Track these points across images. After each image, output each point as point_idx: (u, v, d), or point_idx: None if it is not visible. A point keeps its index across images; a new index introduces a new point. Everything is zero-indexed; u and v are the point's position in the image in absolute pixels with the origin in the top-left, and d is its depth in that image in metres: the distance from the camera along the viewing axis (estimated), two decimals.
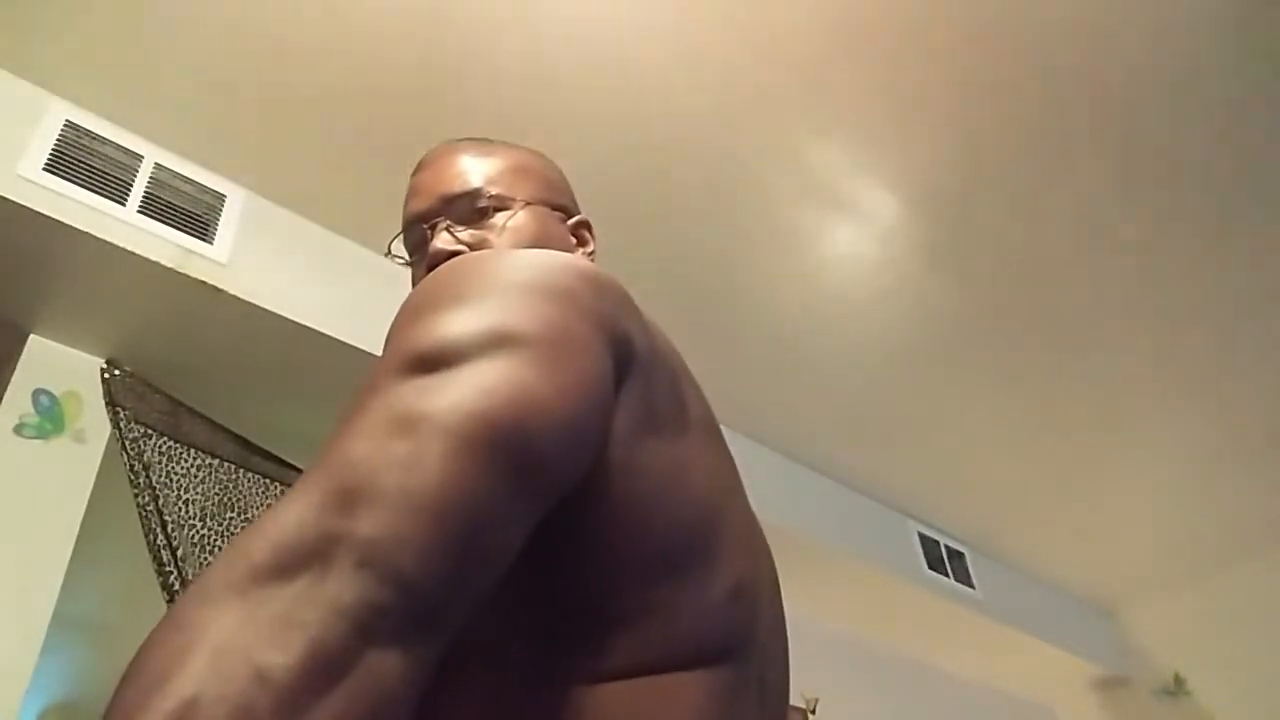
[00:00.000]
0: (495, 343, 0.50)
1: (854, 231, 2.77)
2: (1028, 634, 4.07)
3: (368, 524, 0.40)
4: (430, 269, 0.76)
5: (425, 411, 0.45)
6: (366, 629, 0.38)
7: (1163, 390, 3.34)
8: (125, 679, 0.37)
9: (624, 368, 0.56)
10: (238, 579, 0.39)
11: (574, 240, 0.86)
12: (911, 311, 3.02)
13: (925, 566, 3.82)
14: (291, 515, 0.41)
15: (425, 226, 0.81)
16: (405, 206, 0.84)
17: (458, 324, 0.51)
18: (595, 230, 0.89)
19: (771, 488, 3.42)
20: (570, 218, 0.87)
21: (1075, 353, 3.18)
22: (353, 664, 0.38)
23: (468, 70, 2.21)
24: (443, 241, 0.78)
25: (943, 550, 3.96)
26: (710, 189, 2.59)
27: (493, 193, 0.81)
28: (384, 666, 0.39)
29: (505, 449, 0.45)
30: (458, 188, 0.81)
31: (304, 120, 2.31)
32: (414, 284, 0.81)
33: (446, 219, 0.80)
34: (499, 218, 0.80)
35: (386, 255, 0.87)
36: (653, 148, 2.46)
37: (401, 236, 0.84)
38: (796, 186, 2.60)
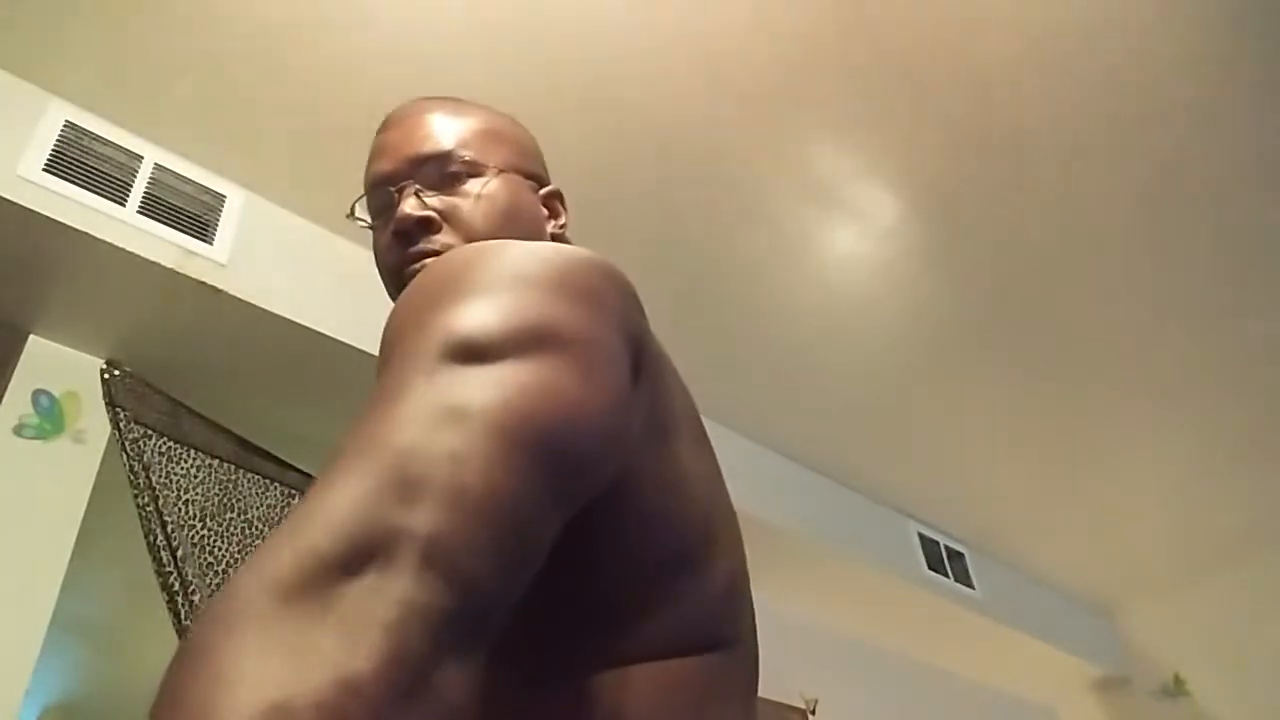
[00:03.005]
0: (538, 341, 0.49)
1: (854, 232, 2.77)
2: (1028, 634, 4.07)
3: (428, 519, 0.39)
4: (397, 234, 0.74)
5: (476, 406, 0.44)
6: (439, 635, 0.37)
7: (1163, 390, 3.34)
8: (186, 670, 0.33)
9: (637, 372, 0.57)
10: (309, 570, 0.36)
11: (545, 211, 0.82)
12: (911, 312, 3.02)
13: (925, 566, 3.82)
14: (347, 502, 0.39)
15: (392, 189, 0.76)
16: (369, 166, 0.79)
17: (499, 315, 0.50)
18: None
19: (771, 488, 3.42)
20: (542, 187, 0.83)
21: (1075, 353, 3.18)
22: (433, 674, 0.36)
23: (467, 72, 2.21)
24: (411, 206, 0.74)
25: (943, 550, 3.97)
26: (709, 189, 2.59)
27: (465, 157, 0.76)
28: (457, 677, 0.37)
29: (551, 453, 0.45)
30: (428, 149, 0.77)
31: (304, 121, 2.31)
32: (376, 249, 0.78)
33: (415, 183, 0.75)
34: (471, 184, 0.76)
35: (348, 217, 0.83)
36: (652, 148, 2.46)
37: (365, 198, 0.80)
38: (796, 187, 2.60)
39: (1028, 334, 3.11)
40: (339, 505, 0.39)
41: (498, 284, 0.52)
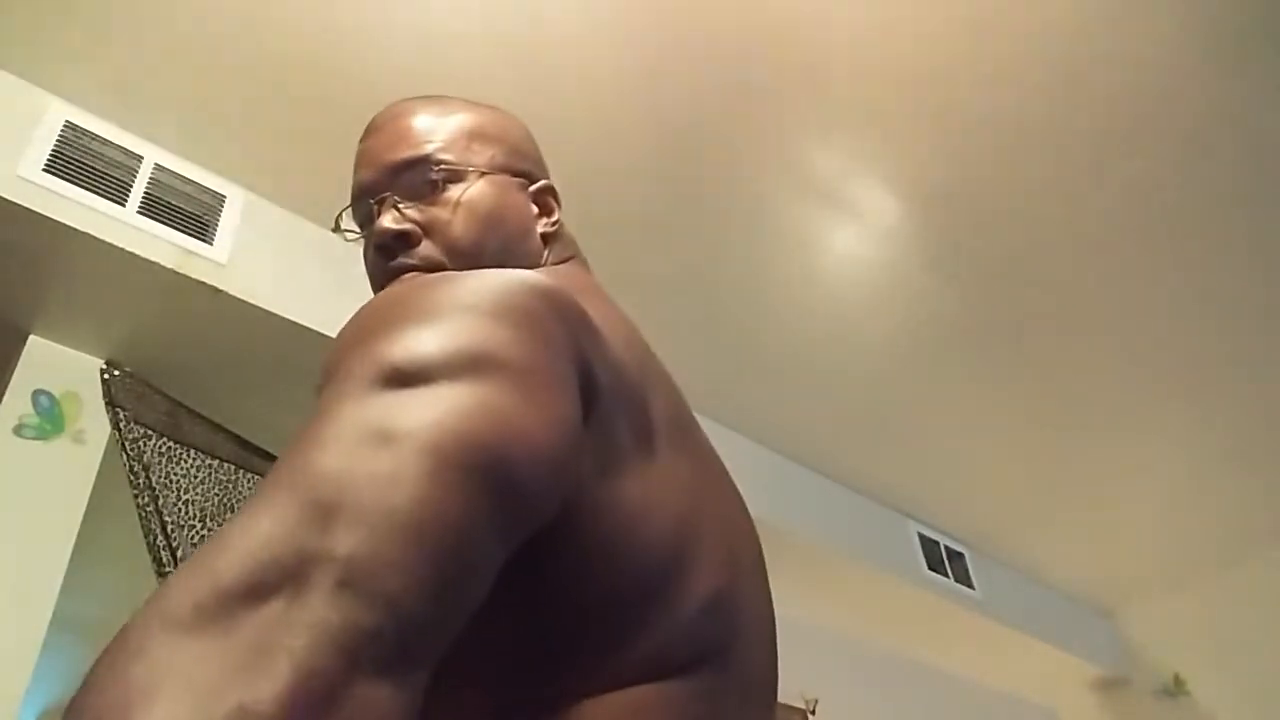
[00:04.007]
0: (472, 364, 0.47)
1: (854, 232, 2.77)
2: (1028, 634, 4.07)
3: (347, 541, 0.37)
4: (378, 249, 0.73)
5: (404, 427, 0.42)
6: (356, 655, 0.35)
7: (1163, 391, 3.34)
8: (84, 707, 0.32)
9: (588, 404, 0.54)
10: (205, 601, 0.35)
11: (536, 209, 0.78)
12: (911, 312, 3.02)
13: (925, 567, 3.82)
14: (260, 530, 0.37)
15: (373, 201, 0.74)
16: (353, 175, 0.77)
17: (431, 340, 0.48)
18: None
19: (772, 488, 3.42)
20: (534, 182, 0.79)
21: (1075, 353, 3.18)
22: (345, 695, 0.34)
23: (467, 71, 2.21)
24: (390, 220, 0.72)
25: (943, 551, 3.97)
26: (709, 189, 2.59)
27: (445, 162, 0.74)
28: (377, 696, 0.35)
29: (486, 472, 0.43)
30: (406, 156, 0.74)
31: (304, 120, 2.31)
32: (365, 258, 0.77)
33: (394, 193, 0.73)
34: (453, 191, 0.73)
35: (335, 231, 0.80)
36: (651, 149, 2.46)
37: (351, 209, 0.77)
38: (796, 187, 2.60)
39: (1028, 334, 3.11)
40: (251, 534, 0.37)
41: (435, 312, 0.51)
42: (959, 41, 2.24)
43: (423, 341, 0.48)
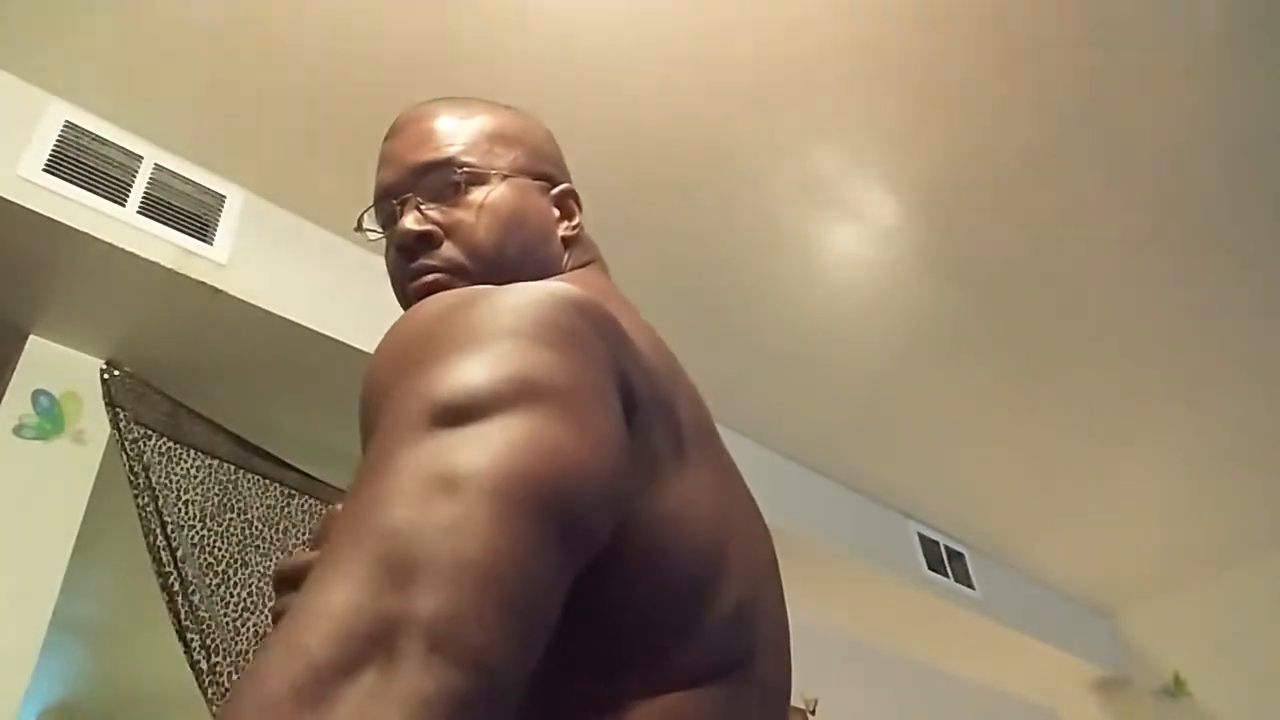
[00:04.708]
0: (521, 394, 0.47)
1: (854, 232, 2.77)
2: (1028, 635, 4.06)
3: (429, 602, 0.37)
4: (399, 249, 0.74)
5: (466, 471, 0.42)
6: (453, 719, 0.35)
7: (1163, 391, 3.34)
8: None
9: (629, 415, 0.54)
10: (302, 683, 0.34)
11: (557, 213, 0.79)
12: (911, 312, 3.02)
13: (925, 567, 3.81)
14: (340, 597, 0.37)
15: (395, 202, 0.75)
16: (376, 175, 0.78)
17: (479, 372, 0.47)
18: (587, 221, 0.82)
19: (772, 488, 3.42)
20: (555, 186, 0.80)
21: (1075, 353, 3.18)
22: None
23: (466, 71, 2.21)
24: (412, 221, 0.73)
25: (943, 551, 3.96)
26: (709, 189, 2.59)
27: (469, 164, 0.74)
28: None
29: (549, 509, 0.43)
30: (429, 158, 0.75)
31: (304, 120, 2.31)
32: (386, 258, 0.77)
33: (416, 195, 0.74)
34: (475, 193, 0.74)
35: (357, 230, 0.81)
36: (651, 149, 2.46)
37: (372, 209, 0.78)
38: (796, 187, 2.60)
39: (1028, 334, 3.11)
40: (330, 603, 0.37)
41: (477, 337, 0.50)
42: (959, 41, 2.24)
43: (471, 373, 0.47)
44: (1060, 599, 4.48)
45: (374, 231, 0.79)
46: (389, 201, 0.76)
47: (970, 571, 4.01)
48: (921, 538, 3.91)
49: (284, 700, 0.34)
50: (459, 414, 0.45)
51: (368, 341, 2.39)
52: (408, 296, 0.74)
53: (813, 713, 3.32)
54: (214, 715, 1.88)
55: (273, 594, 0.64)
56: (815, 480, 3.69)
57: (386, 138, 0.80)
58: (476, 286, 0.58)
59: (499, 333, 0.50)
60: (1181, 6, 2.18)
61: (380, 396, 0.50)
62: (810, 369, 3.22)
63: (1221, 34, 2.24)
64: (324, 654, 0.35)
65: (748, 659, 0.60)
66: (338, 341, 2.38)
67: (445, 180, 0.74)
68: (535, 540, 0.42)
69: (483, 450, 0.43)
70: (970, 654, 4.19)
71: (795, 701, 3.33)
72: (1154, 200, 2.65)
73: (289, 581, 0.61)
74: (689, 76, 2.30)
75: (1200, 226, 2.73)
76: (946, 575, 3.88)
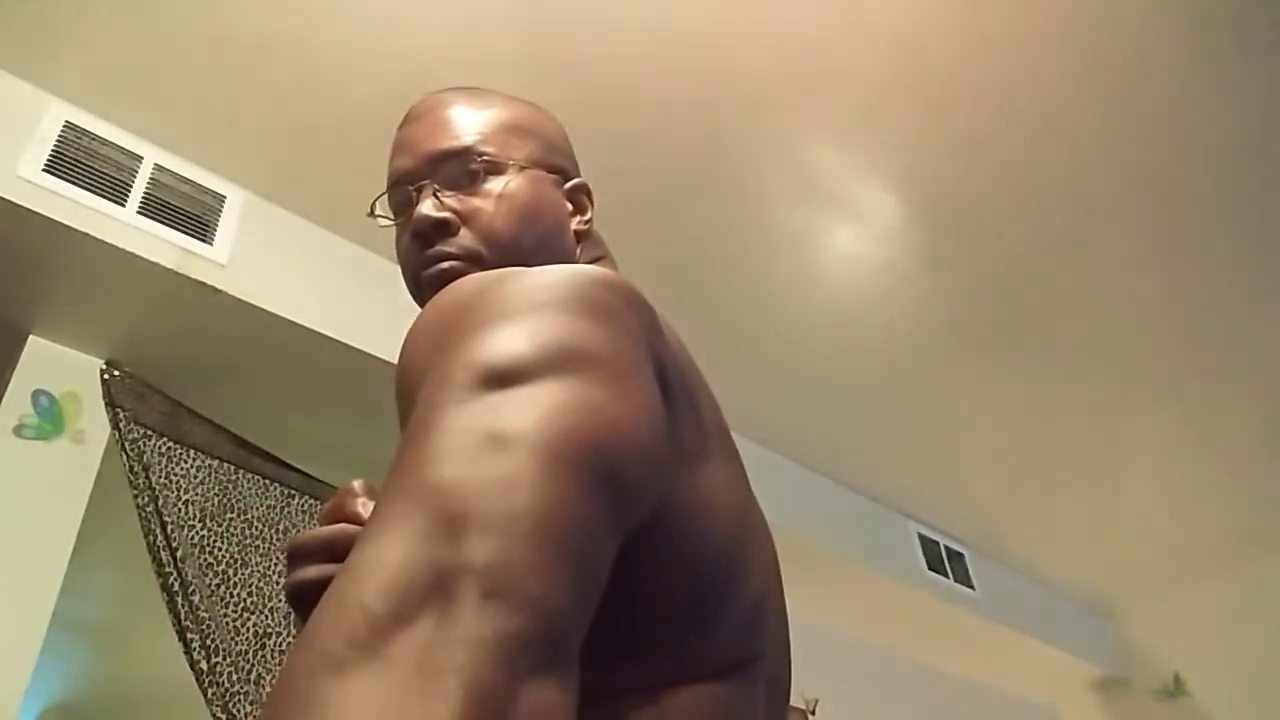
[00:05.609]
0: (565, 360, 0.47)
1: (854, 232, 2.77)
2: (1028, 634, 4.07)
3: (483, 551, 0.37)
4: (415, 235, 0.73)
5: (516, 429, 0.42)
6: (514, 663, 0.35)
7: (1163, 391, 3.34)
8: None
9: (664, 390, 0.54)
10: (359, 634, 0.34)
11: (570, 207, 0.80)
12: (912, 312, 3.02)
13: (925, 567, 3.82)
14: (394, 553, 0.37)
15: (411, 189, 0.75)
16: (390, 162, 0.78)
17: (521, 338, 0.48)
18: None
19: (772, 488, 3.42)
20: (568, 180, 0.81)
21: (1075, 354, 3.18)
22: (514, 703, 0.34)
23: (466, 73, 2.21)
24: (429, 207, 0.73)
25: (943, 551, 3.96)
26: (709, 189, 2.59)
27: (486, 153, 0.75)
28: (542, 699, 0.36)
29: (596, 468, 0.43)
30: (447, 146, 0.75)
31: (304, 120, 2.31)
32: (397, 248, 0.77)
33: (434, 182, 0.74)
34: (492, 183, 0.74)
35: (370, 215, 0.81)
36: (652, 149, 2.46)
37: (386, 195, 0.78)
38: (796, 187, 2.60)
39: (1028, 334, 3.11)
40: (384, 557, 0.37)
41: (516, 309, 0.51)
42: (959, 41, 2.24)
43: (514, 339, 0.48)
44: (1060, 599, 4.48)
45: (386, 219, 0.79)
46: (404, 188, 0.76)
47: (970, 571, 4.01)
48: (921, 538, 3.92)
49: (342, 653, 0.34)
50: (505, 377, 0.45)
51: (368, 341, 2.39)
52: (420, 285, 0.74)
53: (813, 713, 3.32)
54: (214, 715, 1.88)
55: (285, 568, 0.65)
56: (815, 480, 3.69)
57: (402, 125, 0.80)
58: (507, 268, 0.58)
59: (539, 305, 0.51)
60: (1179, 7, 2.18)
61: (420, 369, 0.50)
62: (810, 369, 3.22)
63: (1226, 30, 2.24)
64: (380, 605, 0.35)
65: (760, 655, 0.60)
66: (338, 341, 2.38)
67: (463, 168, 0.74)
68: (584, 497, 0.42)
69: (532, 410, 0.44)
70: (970, 654, 4.20)
71: (795, 701, 3.33)
72: (1155, 201, 2.65)
73: (303, 555, 0.62)
74: (689, 76, 2.30)
75: (1202, 227, 2.73)
76: (946, 575, 3.88)
